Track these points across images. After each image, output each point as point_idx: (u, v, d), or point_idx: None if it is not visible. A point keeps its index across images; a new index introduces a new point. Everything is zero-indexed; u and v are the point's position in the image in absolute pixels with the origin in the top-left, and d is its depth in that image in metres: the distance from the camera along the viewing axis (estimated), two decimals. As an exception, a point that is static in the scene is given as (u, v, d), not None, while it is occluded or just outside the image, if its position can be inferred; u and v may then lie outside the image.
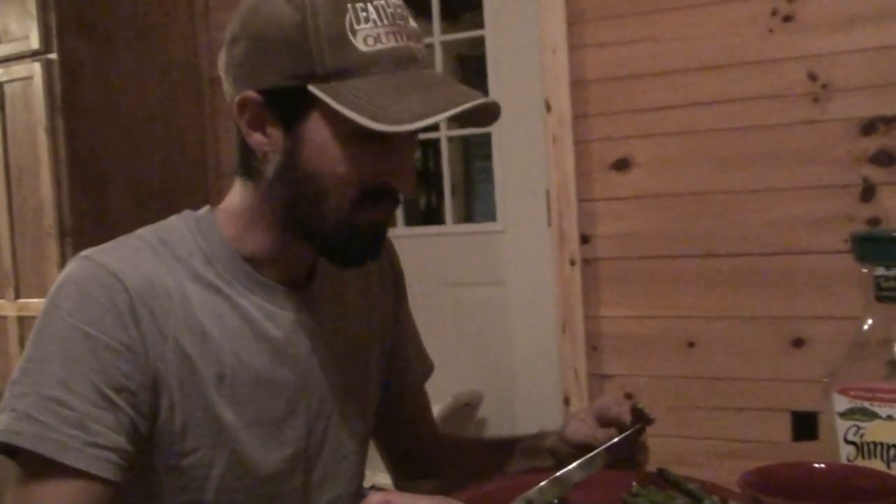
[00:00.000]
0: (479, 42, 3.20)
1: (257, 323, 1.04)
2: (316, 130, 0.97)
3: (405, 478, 1.34)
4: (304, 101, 0.96)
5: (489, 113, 1.00)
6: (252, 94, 0.98)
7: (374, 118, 0.91)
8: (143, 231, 1.05)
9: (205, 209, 1.09)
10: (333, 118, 0.95)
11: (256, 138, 1.00)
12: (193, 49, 3.43)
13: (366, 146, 0.97)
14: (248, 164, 1.04)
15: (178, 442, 0.99)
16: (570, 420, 1.16)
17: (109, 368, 0.93)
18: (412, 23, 1.00)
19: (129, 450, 0.94)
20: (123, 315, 0.95)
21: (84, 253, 1.00)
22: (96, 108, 3.05)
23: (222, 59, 1.02)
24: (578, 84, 2.70)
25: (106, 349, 0.94)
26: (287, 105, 0.98)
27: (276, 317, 1.06)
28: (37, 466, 0.90)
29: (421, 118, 0.92)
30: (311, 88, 0.95)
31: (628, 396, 2.68)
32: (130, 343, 0.95)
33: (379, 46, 0.95)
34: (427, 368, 1.34)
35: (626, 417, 1.11)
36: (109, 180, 3.07)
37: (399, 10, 0.98)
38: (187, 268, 1.02)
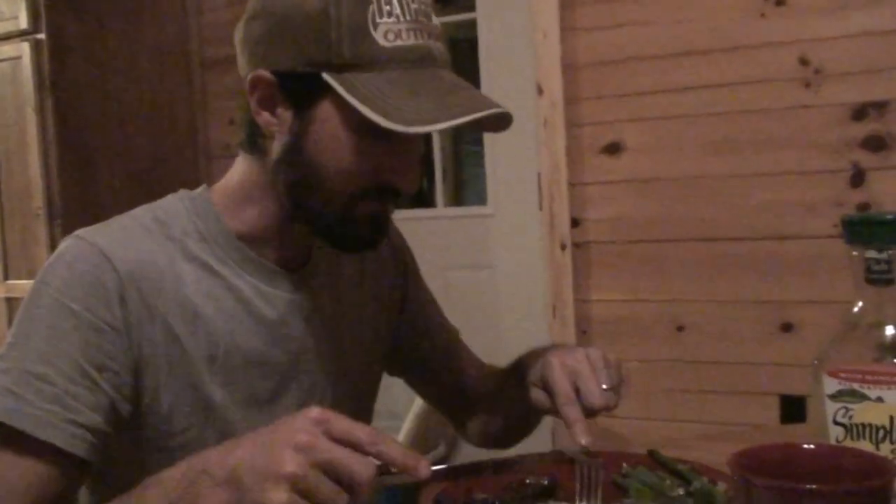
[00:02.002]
0: (471, 25, 3.19)
1: (251, 303, 1.04)
2: (325, 119, 0.97)
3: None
4: (317, 88, 0.96)
5: (502, 120, 0.98)
6: (266, 73, 0.98)
7: (386, 116, 0.91)
8: (139, 210, 1.05)
9: (201, 188, 1.09)
10: (344, 109, 0.95)
11: (265, 117, 1.00)
12: (184, 29, 3.41)
13: (373, 141, 0.96)
14: (254, 140, 1.04)
15: (166, 423, 1.00)
16: (548, 370, 1.06)
17: (93, 347, 0.94)
18: (434, 20, 1.00)
19: (106, 430, 0.94)
20: (111, 295, 0.95)
21: (77, 232, 1.00)
22: (85, 88, 3.03)
23: (239, 33, 1.02)
24: (570, 68, 2.69)
25: (91, 328, 0.94)
26: (300, 89, 0.97)
27: (270, 297, 1.06)
28: (12, 440, 0.90)
29: (432, 123, 0.92)
30: (326, 77, 0.94)
31: (618, 380, 2.69)
32: (116, 324, 0.95)
33: (399, 43, 0.95)
34: (454, 332, 1.34)
35: (594, 398, 1.01)
36: (99, 161, 3.06)
37: (422, 7, 0.97)
38: (181, 248, 1.02)
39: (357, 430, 0.77)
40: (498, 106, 0.95)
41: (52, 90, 2.93)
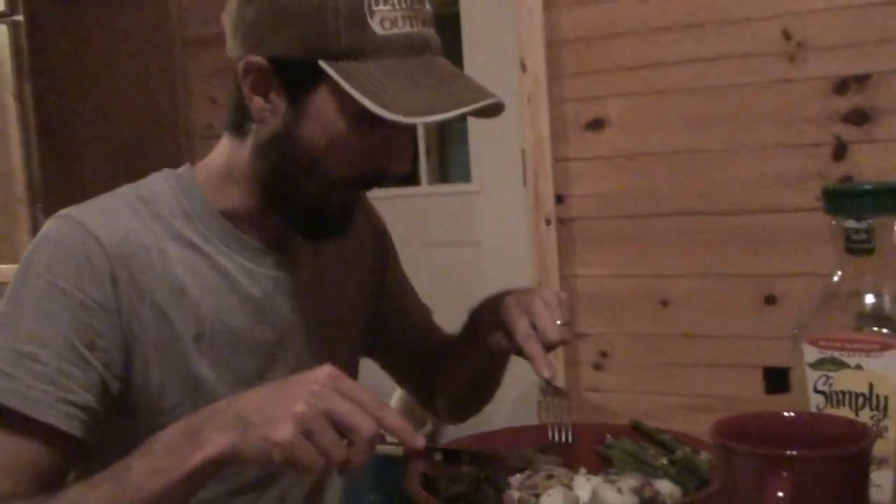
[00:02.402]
0: (454, 0, 3.18)
1: (236, 281, 1.05)
2: (321, 107, 0.97)
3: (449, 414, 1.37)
4: (313, 76, 0.95)
5: (493, 108, 0.99)
6: (260, 59, 0.97)
7: (385, 106, 0.91)
8: (123, 189, 1.05)
9: (185, 167, 1.09)
10: (340, 98, 0.95)
11: (257, 102, 1.00)
12: (164, 9, 3.37)
13: (368, 128, 0.96)
14: (240, 123, 1.04)
15: (156, 401, 1.00)
16: (507, 313, 1.09)
17: (83, 325, 0.94)
18: (427, 6, 1.00)
19: (98, 409, 0.94)
20: (99, 273, 0.95)
21: (63, 212, 1.00)
22: (65, 71, 3.01)
23: (231, 15, 1.01)
24: (553, 44, 2.69)
25: (80, 306, 0.94)
26: (295, 76, 0.97)
27: (255, 275, 1.06)
28: (4, 420, 0.90)
29: (430, 114, 0.93)
30: (323, 65, 0.94)
31: (603, 355, 2.71)
32: (105, 302, 0.95)
33: (395, 31, 0.94)
34: (427, 312, 1.37)
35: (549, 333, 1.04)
36: (80, 144, 3.04)
37: None
38: (167, 226, 1.02)
39: (364, 393, 0.81)
40: (492, 95, 0.97)
41: (31, 74, 2.91)
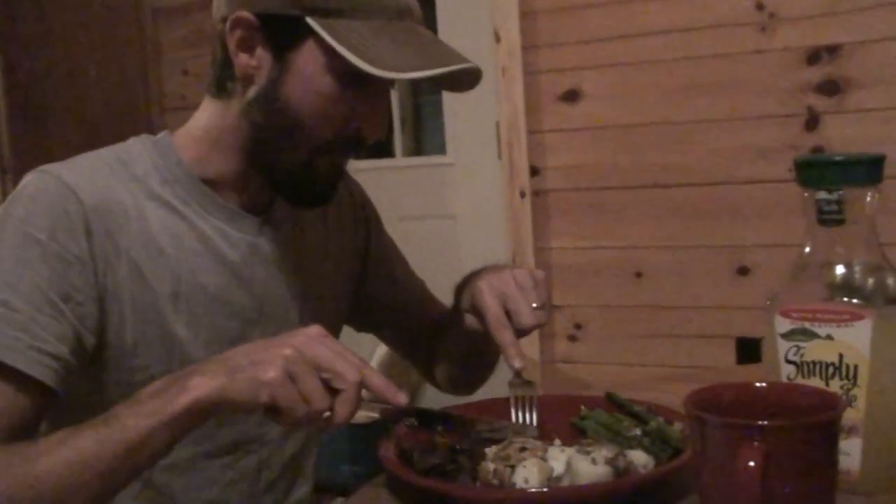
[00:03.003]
0: (427, -28, 3.16)
1: (214, 244, 1.05)
2: (306, 63, 0.98)
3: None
4: (299, 32, 0.97)
5: (472, 79, 1.02)
6: (247, 14, 0.98)
7: (370, 62, 0.93)
8: (101, 151, 1.06)
9: (164, 133, 1.09)
10: (326, 54, 0.97)
11: (242, 59, 1.00)
12: (133, -22, 3.33)
13: (350, 88, 0.99)
14: (223, 84, 1.05)
15: (129, 358, 1.00)
16: (478, 296, 1.08)
17: (58, 277, 0.94)
18: None
19: (71, 361, 0.94)
20: (76, 226, 0.96)
21: (40, 167, 1.00)
22: (34, 39, 2.96)
23: None
24: (527, 14, 2.68)
25: (56, 257, 0.94)
26: (281, 32, 0.98)
27: (233, 239, 1.06)
28: None
29: (417, 70, 0.95)
30: (310, 21, 0.95)
31: (577, 327, 2.72)
32: (81, 254, 0.96)
33: None
34: (420, 283, 1.36)
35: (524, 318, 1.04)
36: (50, 114, 3.00)
37: None
38: (144, 187, 1.03)
39: (349, 352, 0.85)
40: (472, 62, 0.99)
41: (-1, 42, 2.86)
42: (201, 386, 0.83)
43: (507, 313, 1.03)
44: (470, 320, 1.12)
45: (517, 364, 1.02)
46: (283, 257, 1.11)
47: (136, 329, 1.00)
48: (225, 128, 1.05)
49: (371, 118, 1.02)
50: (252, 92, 1.01)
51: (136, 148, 1.06)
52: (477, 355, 1.26)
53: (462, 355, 1.27)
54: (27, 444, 0.88)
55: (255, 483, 1.11)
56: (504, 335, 1.02)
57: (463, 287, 1.17)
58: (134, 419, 0.83)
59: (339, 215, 1.23)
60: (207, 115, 1.07)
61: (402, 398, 0.87)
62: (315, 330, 0.86)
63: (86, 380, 0.99)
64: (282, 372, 0.81)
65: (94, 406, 0.95)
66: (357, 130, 1.02)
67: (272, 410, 0.83)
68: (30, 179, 0.99)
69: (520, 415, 1.05)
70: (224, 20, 1.01)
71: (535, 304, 1.04)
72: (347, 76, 0.97)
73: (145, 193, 1.02)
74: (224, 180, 1.07)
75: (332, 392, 0.84)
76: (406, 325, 1.34)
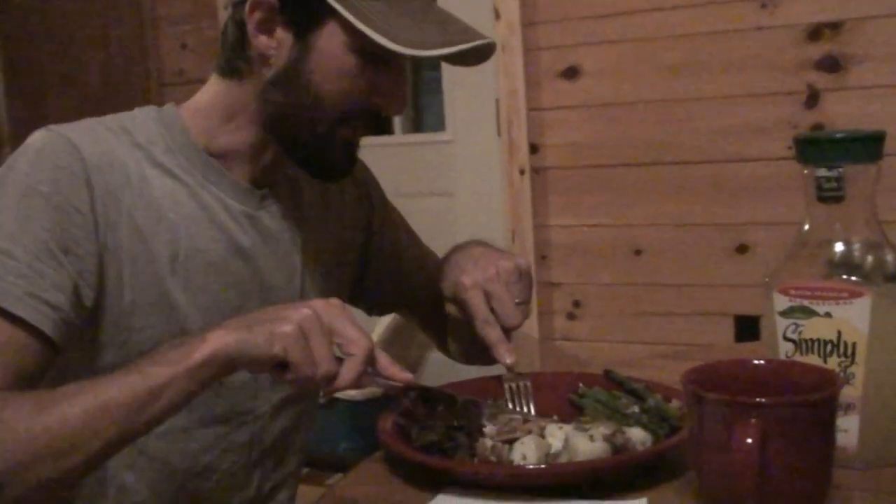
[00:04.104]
0: (427, -53, 3.13)
1: (214, 212, 1.06)
2: (328, 43, 0.99)
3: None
4: (321, 12, 0.98)
5: (483, 52, 1.02)
6: None
7: (395, 40, 0.94)
8: (107, 117, 1.06)
9: (169, 104, 1.10)
10: (347, 33, 0.97)
11: (262, 40, 1.01)
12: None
13: (372, 65, 1.00)
14: (233, 64, 1.05)
15: (126, 317, 1.01)
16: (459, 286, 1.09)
17: (59, 228, 0.94)
18: None
19: (70, 314, 0.94)
20: (78, 180, 0.96)
21: (48, 126, 1.01)
22: (31, 13, 2.95)
23: None
24: (527, -10, 2.66)
25: (58, 209, 0.95)
26: (302, 12, 0.99)
27: (232, 210, 1.07)
28: None
29: (438, 47, 0.96)
30: (331, 1, 0.96)
31: (576, 304, 2.72)
32: (82, 207, 0.96)
33: None
34: (433, 256, 1.35)
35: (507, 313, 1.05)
36: (48, 88, 2.99)
37: None
38: (147, 154, 1.04)
39: (362, 326, 0.87)
40: (488, 38, 1.00)
41: (-4, 18, 2.85)
42: (221, 338, 0.84)
43: (492, 311, 1.04)
44: (452, 310, 1.13)
45: (508, 360, 1.04)
46: (282, 232, 1.12)
47: (134, 289, 1.00)
48: (236, 104, 1.06)
49: (392, 93, 1.03)
50: (270, 72, 1.02)
51: (141, 117, 1.07)
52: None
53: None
54: (44, 391, 0.88)
55: (247, 455, 1.12)
56: (491, 334, 1.04)
57: (444, 268, 1.17)
58: (154, 367, 0.84)
59: (340, 192, 1.23)
60: (214, 92, 1.08)
61: (405, 375, 0.90)
62: (335, 300, 0.89)
63: (82, 339, 0.99)
64: (297, 328, 0.83)
65: (88, 364, 0.95)
66: (377, 106, 1.04)
67: (281, 367, 0.84)
68: (36, 136, 0.99)
69: (516, 407, 1.05)
70: (235, 3, 1.01)
71: (518, 300, 1.05)
72: (369, 53, 0.98)
73: (148, 160, 1.03)
74: (231, 154, 1.07)
75: (340, 362, 0.86)
76: (418, 296, 1.33)
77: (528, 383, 1.06)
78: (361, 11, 0.96)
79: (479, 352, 1.28)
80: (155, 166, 1.03)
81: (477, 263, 1.09)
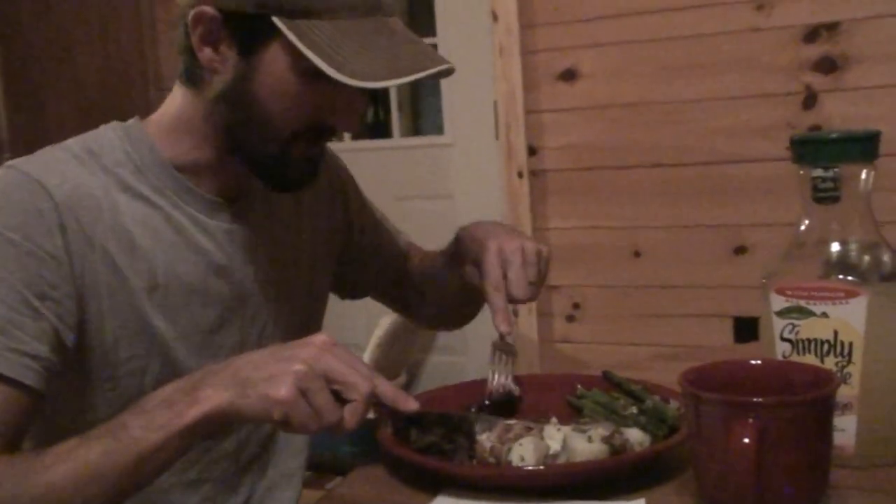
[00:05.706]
0: (424, -50, 3.13)
1: (189, 233, 1.04)
2: (273, 63, 0.96)
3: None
4: (265, 31, 0.94)
5: (442, 73, 0.98)
6: (211, 10, 0.95)
7: (339, 68, 0.90)
8: (70, 142, 1.03)
9: (134, 119, 1.07)
10: (293, 55, 0.94)
11: (207, 53, 0.98)
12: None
13: (319, 86, 0.95)
14: (193, 72, 1.02)
15: (111, 352, 1.00)
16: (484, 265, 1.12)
17: (33, 276, 0.92)
18: None
19: (53, 359, 0.93)
20: (49, 223, 0.94)
21: (8, 163, 0.98)
22: (29, 17, 2.95)
23: None
24: (525, -7, 2.67)
25: (30, 256, 0.92)
26: (247, 30, 0.96)
27: (208, 227, 1.05)
28: None
29: (383, 79, 0.92)
30: (277, 22, 0.92)
31: (576, 307, 2.72)
32: (55, 251, 0.94)
33: None
34: (404, 237, 1.40)
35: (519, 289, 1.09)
36: (46, 93, 2.99)
37: None
38: (116, 178, 1.01)
39: (358, 361, 0.85)
40: (444, 62, 0.96)
41: (-5, 23, 2.85)
42: (212, 399, 0.83)
43: (505, 278, 1.08)
44: (469, 270, 1.15)
45: (503, 328, 1.07)
46: (259, 241, 1.11)
47: (115, 322, 0.99)
48: (196, 115, 1.03)
49: (341, 112, 1.00)
50: (219, 84, 0.99)
51: (107, 136, 1.04)
52: (468, 302, 1.31)
53: (452, 297, 1.32)
54: (32, 454, 0.87)
55: (235, 462, 1.12)
56: (497, 299, 1.07)
57: (467, 236, 1.19)
58: (143, 432, 0.83)
59: (314, 191, 1.22)
60: (178, 102, 1.05)
61: (412, 404, 0.89)
62: (322, 339, 0.86)
63: (70, 376, 0.98)
64: (294, 389, 0.81)
65: (83, 407, 0.95)
66: (328, 122, 1.01)
67: (283, 423, 0.83)
68: (0, 177, 0.97)
69: (497, 376, 1.09)
70: (187, 9, 0.98)
71: (532, 279, 1.08)
72: (316, 75, 0.92)
73: (117, 185, 1.01)
74: (198, 167, 1.05)
75: (342, 401, 0.84)
76: (395, 281, 1.37)
77: (514, 359, 1.11)
78: (306, 34, 0.92)
79: (455, 316, 1.36)
80: (124, 191, 1.01)
81: (507, 234, 1.14)
